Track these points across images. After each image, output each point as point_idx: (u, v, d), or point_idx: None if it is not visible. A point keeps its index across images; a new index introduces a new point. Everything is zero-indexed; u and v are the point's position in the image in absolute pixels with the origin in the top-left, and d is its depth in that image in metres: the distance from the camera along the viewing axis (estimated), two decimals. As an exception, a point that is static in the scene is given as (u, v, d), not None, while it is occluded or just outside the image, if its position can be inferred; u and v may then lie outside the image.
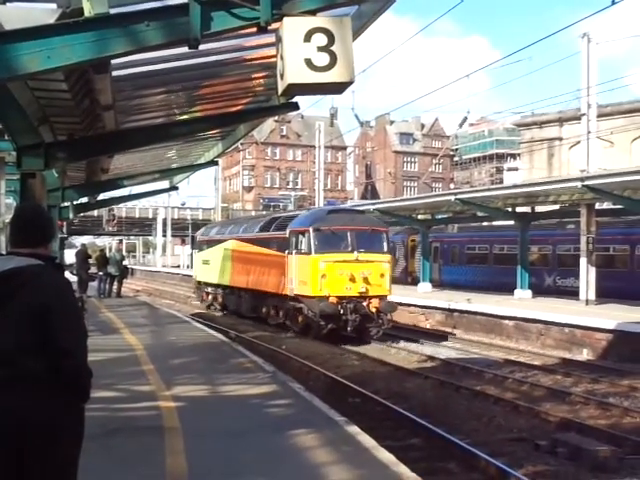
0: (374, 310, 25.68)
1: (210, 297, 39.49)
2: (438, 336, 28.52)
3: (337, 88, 7.24)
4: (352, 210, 31.80)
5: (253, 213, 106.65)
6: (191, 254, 63.31)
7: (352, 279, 25.57)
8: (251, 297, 32.14)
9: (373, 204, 45.27)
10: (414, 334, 28.75)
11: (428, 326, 31.53)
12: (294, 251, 27.02)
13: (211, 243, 39.38)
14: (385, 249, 27.15)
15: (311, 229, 26.29)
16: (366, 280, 25.67)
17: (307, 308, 26.24)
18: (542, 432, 13.44)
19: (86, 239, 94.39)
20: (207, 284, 39.68)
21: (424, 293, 37.53)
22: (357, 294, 25.61)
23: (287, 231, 27.92)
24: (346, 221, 27.02)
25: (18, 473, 4.15)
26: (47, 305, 4.13)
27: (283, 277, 27.68)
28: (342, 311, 25.41)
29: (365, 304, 25.62)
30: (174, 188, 33.65)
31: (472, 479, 10.86)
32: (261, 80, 13.74)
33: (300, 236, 26.89)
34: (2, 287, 4.17)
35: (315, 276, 25.65)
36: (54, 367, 4.12)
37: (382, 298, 26.09)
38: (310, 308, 25.96)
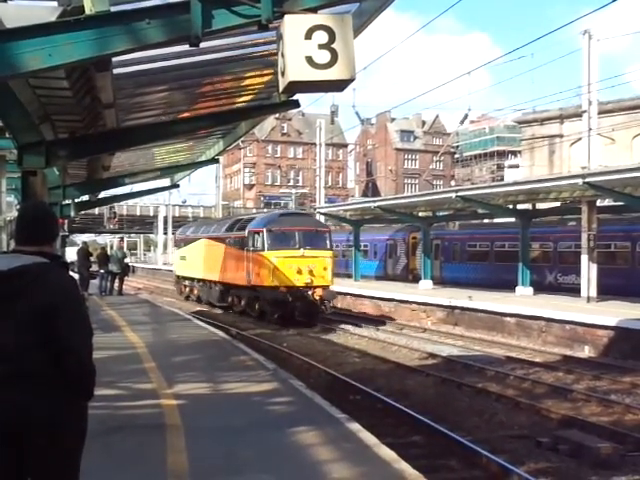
0: (318, 298, 30.10)
1: (187, 289, 43.82)
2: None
3: (338, 86, 7.24)
4: (300, 213, 39.92)
5: (254, 211, 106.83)
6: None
7: (299, 272, 29.97)
8: (220, 288, 36.49)
9: (374, 201, 45.33)
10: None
11: (429, 323, 31.53)
12: (251, 248, 31.53)
13: (187, 241, 44.44)
14: (327, 246, 31.70)
15: (265, 229, 30.98)
16: (311, 272, 30.09)
17: (262, 297, 30.98)
18: (544, 429, 13.45)
19: (87, 237, 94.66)
20: (185, 278, 44.20)
21: (425, 290, 37.50)
22: (303, 284, 29.91)
23: (246, 231, 32.37)
24: (295, 223, 32.00)
25: (19, 470, 4.17)
26: (54, 303, 4.14)
27: (243, 270, 32.10)
28: (290, 299, 29.62)
29: (310, 293, 29.97)
30: (175, 186, 33.64)
31: (473, 476, 10.86)
32: (262, 78, 13.74)
33: (256, 235, 31.42)
34: (9, 285, 4.17)
35: (268, 269, 30.25)
36: (56, 364, 4.13)
37: (325, 288, 30.54)
38: (264, 297, 30.70)
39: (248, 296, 32.84)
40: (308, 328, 29.00)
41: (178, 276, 46.44)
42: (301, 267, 30.00)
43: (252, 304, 32.62)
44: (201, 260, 39.85)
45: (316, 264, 30.35)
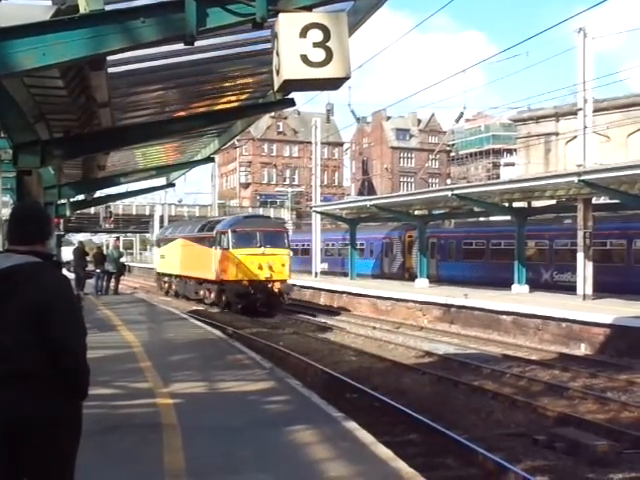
0: (276, 290, 34.22)
1: (166, 285, 47.15)
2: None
3: (333, 84, 7.23)
4: (261, 216, 47.09)
5: (250, 210, 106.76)
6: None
7: (260, 267, 34.01)
8: (193, 283, 40.37)
9: (370, 200, 45.33)
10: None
11: (426, 322, 31.56)
12: (219, 247, 35.60)
13: (166, 241, 48.38)
14: (285, 245, 35.90)
15: (230, 230, 35.32)
16: (270, 268, 34.10)
17: (227, 289, 34.67)
18: (540, 427, 13.47)
19: (83, 236, 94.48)
20: (164, 274, 47.81)
21: (421, 289, 37.54)
22: (264, 279, 33.96)
23: (215, 232, 36.59)
24: (256, 224, 36.59)
25: (16, 469, 4.16)
26: (46, 302, 4.14)
27: (212, 266, 36.11)
28: (252, 291, 33.75)
29: (270, 286, 34.06)
30: (171, 185, 33.60)
31: (470, 474, 10.86)
32: (257, 76, 13.73)
33: (223, 235, 35.64)
34: (1, 285, 4.16)
35: (232, 265, 34.35)
36: (53, 364, 4.12)
37: (283, 281, 34.64)
38: (229, 289, 34.43)
39: (216, 289, 36.32)
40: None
41: (158, 273, 50.14)
42: (262, 263, 34.11)
43: (219, 296, 36.07)
44: (177, 258, 43.82)
45: (275, 261, 34.49)
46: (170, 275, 45.91)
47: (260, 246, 34.50)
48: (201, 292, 38.89)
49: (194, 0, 6.68)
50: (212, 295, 37.07)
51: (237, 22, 6.98)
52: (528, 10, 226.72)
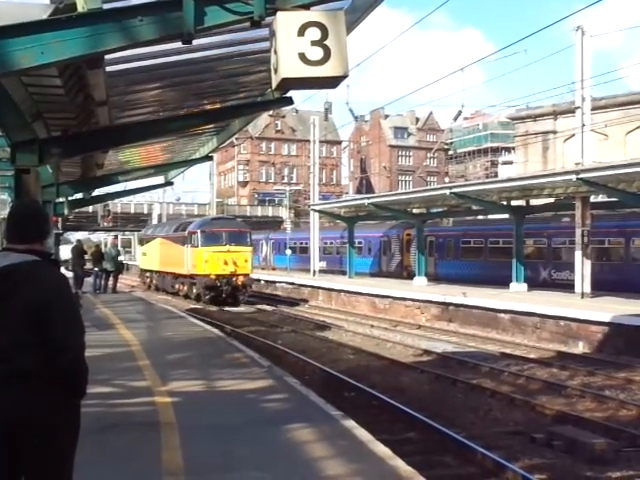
0: (240, 283, 39.17)
1: (148, 280, 51.48)
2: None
3: (331, 82, 7.22)
4: (227, 217, 51.55)
5: (248, 208, 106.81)
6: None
7: (225, 263, 38.68)
8: (170, 278, 45.11)
9: (368, 198, 45.32)
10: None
11: (424, 320, 31.58)
12: (190, 245, 40.35)
13: (147, 240, 53.05)
14: (248, 243, 40.60)
15: (199, 230, 40.11)
16: (235, 264, 38.87)
17: (198, 283, 39.53)
18: (538, 425, 13.48)
19: (81, 235, 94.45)
20: (146, 270, 52.16)
21: (419, 287, 37.55)
22: (229, 273, 38.70)
23: (186, 232, 41.47)
24: (222, 225, 41.50)
25: (15, 468, 4.16)
26: (45, 301, 4.14)
27: (185, 263, 40.91)
28: (219, 284, 38.55)
29: (234, 280, 38.87)
30: (169, 183, 33.60)
31: (468, 472, 10.87)
32: (255, 75, 13.71)
33: (193, 235, 40.40)
34: (0, 284, 4.17)
35: (201, 261, 38.97)
36: (51, 363, 4.12)
37: (245, 275, 39.66)
38: (199, 282, 39.26)
39: (188, 283, 41.38)
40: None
41: (142, 269, 54.86)
42: (227, 259, 38.81)
43: (191, 289, 41.02)
44: (157, 256, 48.60)
45: (238, 257, 39.18)
46: (151, 271, 50.48)
47: (225, 244, 39.20)
48: (176, 286, 43.71)
49: (192, -1, 6.68)
50: (185, 288, 42.03)
51: (235, 21, 6.97)
52: (526, 8, 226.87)
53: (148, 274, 51.43)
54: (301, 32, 6.61)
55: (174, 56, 10.54)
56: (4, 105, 10.07)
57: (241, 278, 39.15)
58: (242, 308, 37.98)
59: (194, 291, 40.30)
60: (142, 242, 55.68)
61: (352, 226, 47.90)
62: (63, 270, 5.80)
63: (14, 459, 4.14)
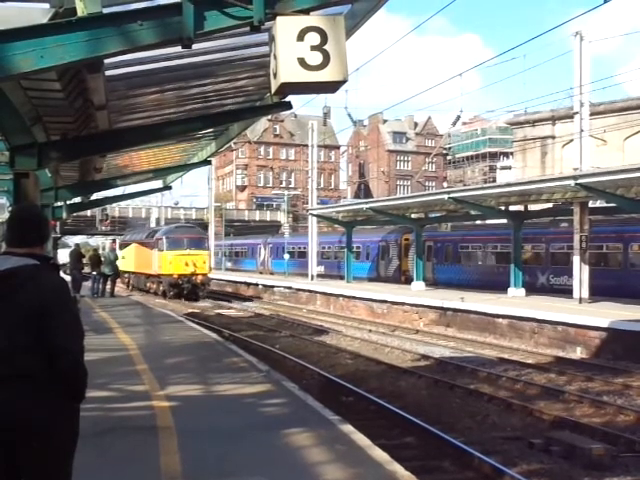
0: (199, 282, 45.95)
1: (127, 280, 56.96)
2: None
3: (330, 87, 7.23)
4: (188, 226, 56.21)
5: (246, 212, 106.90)
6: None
7: (186, 264, 45.36)
8: (143, 278, 51.64)
9: (366, 203, 45.30)
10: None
11: (422, 325, 31.58)
12: (157, 249, 47.00)
13: (125, 245, 59.51)
14: (206, 247, 48.70)
15: (164, 237, 47.21)
16: (194, 265, 45.58)
17: (163, 281, 46.26)
18: (536, 430, 13.48)
19: (79, 239, 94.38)
20: (125, 272, 55.31)
21: (417, 292, 37.54)
22: (189, 273, 45.48)
23: (154, 238, 48.62)
24: (184, 232, 48.65)
25: (14, 471, 4.16)
26: (45, 305, 4.14)
27: (153, 264, 47.43)
28: (181, 282, 45.20)
29: (194, 278, 45.57)
30: (167, 188, 33.65)
31: (466, 477, 10.87)
32: (254, 79, 13.73)
33: (160, 240, 47.20)
34: (0, 287, 4.17)
35: (166, 263, 45.64)
36: (51, 366, 4.12)
37: (204, 275, 46.49)
38: (164, 281, 46.05)
39: (156, 282, 48.14)
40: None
41: (121, 271, 56.68)
42: (187, 261, 45.54)
43: (158, 287, 47.77)
44: (132, 258, 54.66)
45: (197, 259, 46.03)
46: (129, 272, 55.79)
47: (186, 248, 46.11)
48: (147, 284, 50.34)
49: (191, 3, 6.67)
50: (154, 286, 48.63)
51: (234, 25, 6.97)
52: (525, 13, 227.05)
53: (127, 275, 56.46)
54: (300, 37, 6.61)
55: (173, 60, 10.55)
56: (3, 109, 10.08)
57: (200, 277, 46.01)
58: (232, 312, 39.55)
59: (161, 288, 46.96)
60: (121, 247, 60.92)
61: (350, 231, 47.91)
62: (62, 274, 5.82)
63: (13, 461, 4.13)
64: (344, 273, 47.94)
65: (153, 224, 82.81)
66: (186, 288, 45.09)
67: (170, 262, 45.28)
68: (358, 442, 9.17)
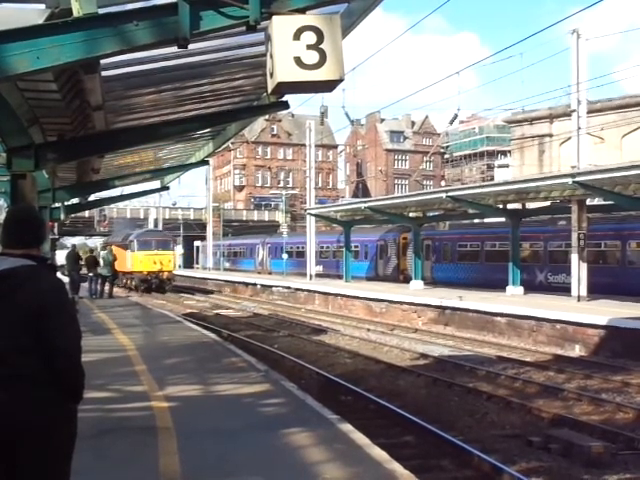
0: (165, 277, 53.58)
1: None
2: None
3: (327, 86, 7.22)
4: (156, 230, 67.64)
5: (244, 212, 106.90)
6: (183, 253, 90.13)
7: (155, 262, 53.01)
8: (121, 275, 53.54)
9: (364, 202, 45.33)
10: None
11: (420, 324, 31.58)
12: (130, 250, 54.19)
13: (106, 246, 62.52)
14: (171, 248, 56.38)
15: (136, 240, 54.69)
16: (161, 263, 53.27)
17: (135, 277, 53.72)
18: (535, 428, 13.49)
19: (77, 240, 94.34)
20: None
21: (416, 291, 37.56)
22: (157, 270, 53.09)
23: (128, 240, 55.57)
24: (153, 235, 57.33)
25: (11, 473, 4.15)
26: (43, 306, 4.13)
27: (127, 263, 53.47)
28: (150, 278, 52.78)
29: (161, 274, 53.13)
30: (165, 188, 33.57)
31: (465, 476, 10.87)
32: (251, 79, 13.72)
33: (132, 242, 54.58)
34: (-3, 288, 4.16)
35: (137, 261, 53.50)
36: (49, 368, 4.12)
37: (169, 272, 54.35)
38: (136, 277, 53.56)
39: (130, 278, 54.98)
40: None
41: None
42: (155, 260, 53.20)
43: (131, 282, 54.69)
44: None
45: (164, 258, 53.81)
46: None
47: (154, 249, 53.90)
48: (124, 280, 55.73)
49: (187, 3, 6.66)
50: (128, 282, 55.30)
51: (230, 25, 6.95)
52: (522, 11, 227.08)
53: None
54: (297, 36, 6.60)
55: (170, 61, 10.53)
56: (0, 110, 10.05)
57: (166, 273, 53.88)
58: (229, 311, 40.44)
59: (133, 283, 54.25)
60: (104, 248, 65.23)
61: (348, 230, 47.92)
62: (59, 275, 5.82)
63: (11, 463, 4.12)
64: (342, 272, 47.94)
65: (151, 225, 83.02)
66: (154, 283, 53.02)
67: (140, 261, 53.36)
68: (357, 441, 9.16)
